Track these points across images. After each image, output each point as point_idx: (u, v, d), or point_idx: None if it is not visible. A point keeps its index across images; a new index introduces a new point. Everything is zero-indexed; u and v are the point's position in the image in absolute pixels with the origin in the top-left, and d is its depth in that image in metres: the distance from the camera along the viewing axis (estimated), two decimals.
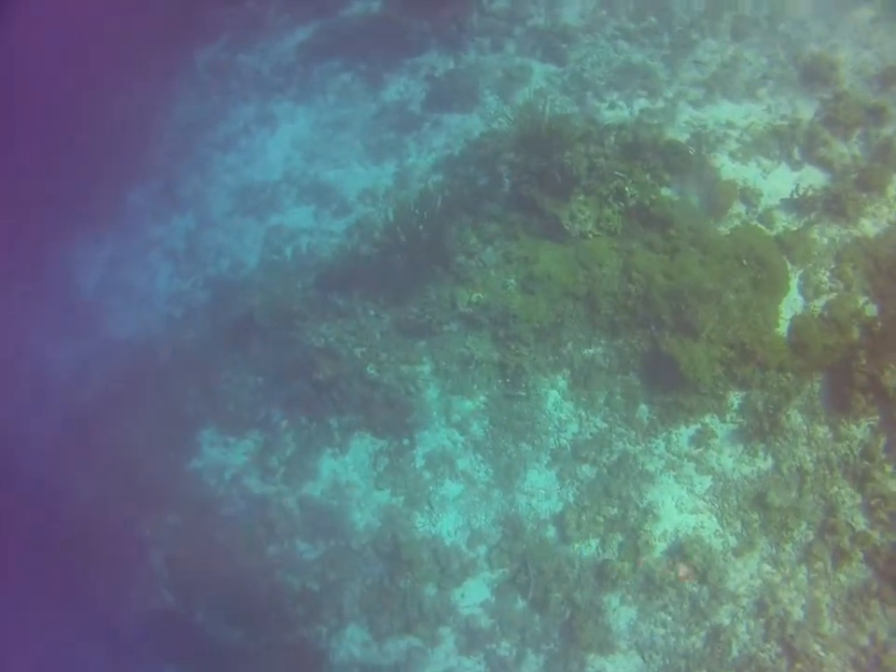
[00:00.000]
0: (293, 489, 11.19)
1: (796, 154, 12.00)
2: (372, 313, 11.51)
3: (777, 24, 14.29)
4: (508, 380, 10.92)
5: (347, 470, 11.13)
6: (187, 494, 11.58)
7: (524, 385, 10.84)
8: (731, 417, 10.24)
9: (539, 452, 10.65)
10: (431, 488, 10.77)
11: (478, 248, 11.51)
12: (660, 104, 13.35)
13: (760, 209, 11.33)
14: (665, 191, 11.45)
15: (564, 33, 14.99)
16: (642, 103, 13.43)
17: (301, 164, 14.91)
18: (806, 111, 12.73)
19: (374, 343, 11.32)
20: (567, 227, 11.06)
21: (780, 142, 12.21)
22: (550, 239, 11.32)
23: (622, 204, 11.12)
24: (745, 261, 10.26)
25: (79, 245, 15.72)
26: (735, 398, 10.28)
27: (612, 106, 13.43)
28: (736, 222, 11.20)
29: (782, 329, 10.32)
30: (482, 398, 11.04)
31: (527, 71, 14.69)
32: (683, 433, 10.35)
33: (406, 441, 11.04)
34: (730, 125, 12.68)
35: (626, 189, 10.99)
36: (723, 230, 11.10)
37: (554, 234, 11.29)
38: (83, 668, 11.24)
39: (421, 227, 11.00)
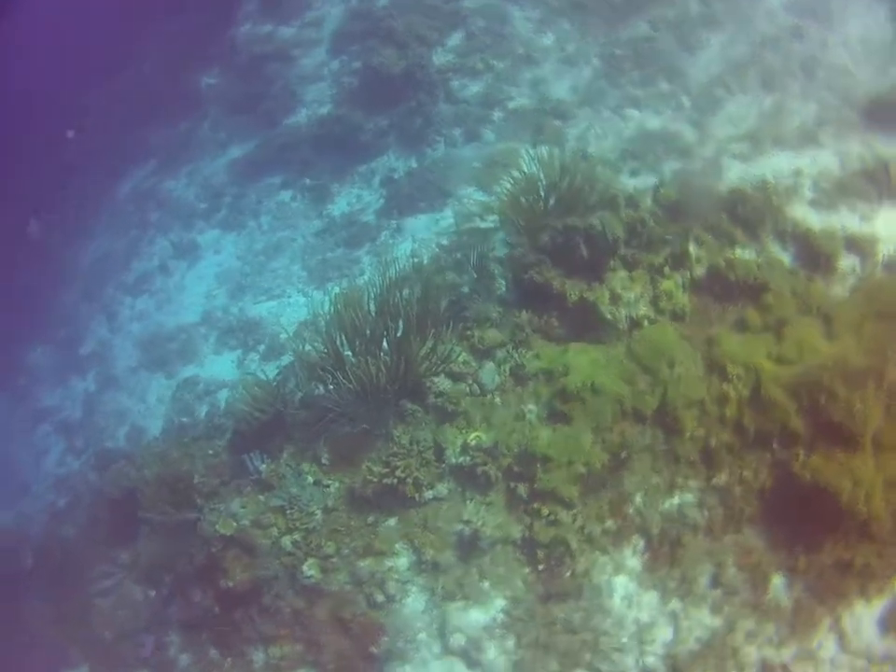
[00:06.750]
0: None
1: None
2: (311, 478, 8.02)
3: (816, 72, 12.50)
4: (541, 567, 7.25)
5: None
6: None
7: (569, 573, 7.18)
8: None
9: None
10: None
11: (471, 366, 8.17)
12: (697, 164, 10.76)
13: (882, 257, 8.49)
14: (740, 252, 8.37)
15: (557, 109, 12.79)
16: (673, 165, 10.80)
17: (224, 301, 12.71)
18: (889, 148, 10.40)
19: (315, 526, 7.80)
20: (608, 315, 7.92)
21: (873, 182, 9.65)
22: (582, 338, 8.06)
23: (686, 274, 8.04)
24: None
25: None
26: None
27: (635, 174, 10.75)
28: (852, 279, 8.32)
29: None
30: (500, 602, 7.33)
31: (515, 156, 12.19)
32: (863, 613, 6.55)
33: None
34: (797, 174, 10.13)
35: (689, 250, 7.88)
36: (839, 290, 8.16)
37: (589, 330, 8.08)
38: None
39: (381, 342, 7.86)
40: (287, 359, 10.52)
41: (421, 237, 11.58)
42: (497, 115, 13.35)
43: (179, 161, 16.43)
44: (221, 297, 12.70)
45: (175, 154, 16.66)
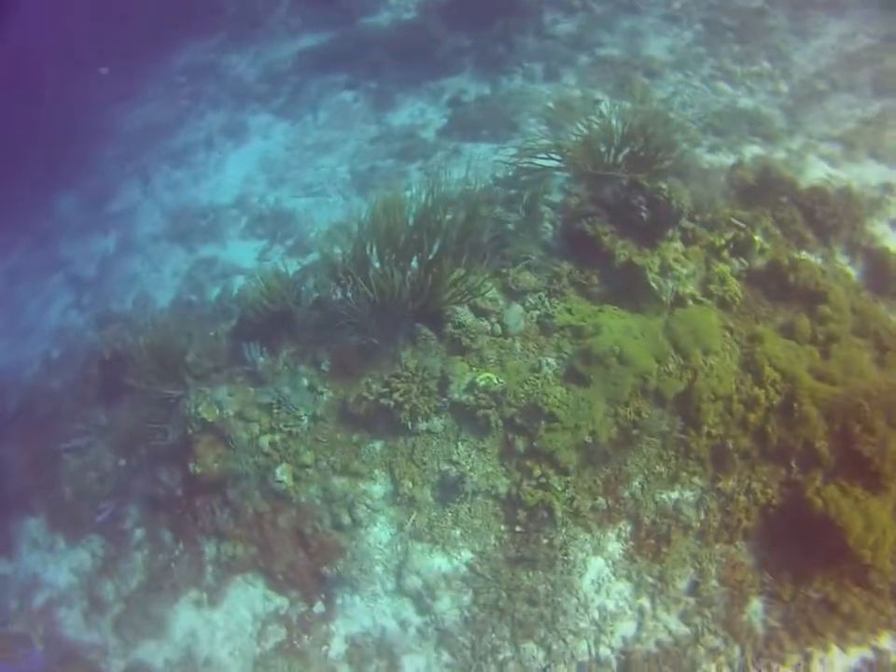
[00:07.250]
0: (125, 647, 7.51)
1: None
2: (306, 382, 7.59)
3: None
4: (519, 529, 6.87)
5: (214, 635, 7.31)
6: None
7: (546, 542, 6.79)
8: None
9: (557, 664, 6.47)
10: None
11: (498, 304, 7.67)
12: (780, 154, 10.07)
13: None
14: (806, 255, 7.84)
15: (646, 66, 12.05)
16: (755, 150, 10.12)
17: (262, 188, 12.09)
18: None
19: (298, 432, 7.38)
20: (653, 284, 7.37)
21: None
22: (621, 302, 7.54)
23: (744, 262, 7.47)
24: None
25: None
26: None
27: (714, 150, 10.09)
28: None
29: None
30: (467, 554, 6.96)
31: (591, 104, 11.51)
32: (836, 660, 6.19)
33: (320, 607, 7.10)
34: (886, 189, 9.51)
35: (755, 239, 7.32)
36: None
37: (629, 296, 7.58)
38: None
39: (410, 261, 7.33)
40: (311, 258, 10.06)
41: (477, 165, 10.90)
42: (583, 59, 12.59)
43: (247, 39, 15.95)
44: (260, 183, 12.19)
45: (243, 31, 16.17)
